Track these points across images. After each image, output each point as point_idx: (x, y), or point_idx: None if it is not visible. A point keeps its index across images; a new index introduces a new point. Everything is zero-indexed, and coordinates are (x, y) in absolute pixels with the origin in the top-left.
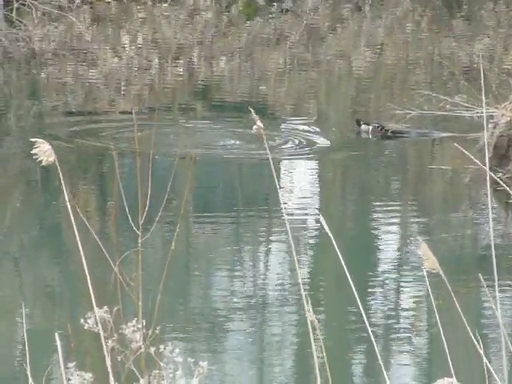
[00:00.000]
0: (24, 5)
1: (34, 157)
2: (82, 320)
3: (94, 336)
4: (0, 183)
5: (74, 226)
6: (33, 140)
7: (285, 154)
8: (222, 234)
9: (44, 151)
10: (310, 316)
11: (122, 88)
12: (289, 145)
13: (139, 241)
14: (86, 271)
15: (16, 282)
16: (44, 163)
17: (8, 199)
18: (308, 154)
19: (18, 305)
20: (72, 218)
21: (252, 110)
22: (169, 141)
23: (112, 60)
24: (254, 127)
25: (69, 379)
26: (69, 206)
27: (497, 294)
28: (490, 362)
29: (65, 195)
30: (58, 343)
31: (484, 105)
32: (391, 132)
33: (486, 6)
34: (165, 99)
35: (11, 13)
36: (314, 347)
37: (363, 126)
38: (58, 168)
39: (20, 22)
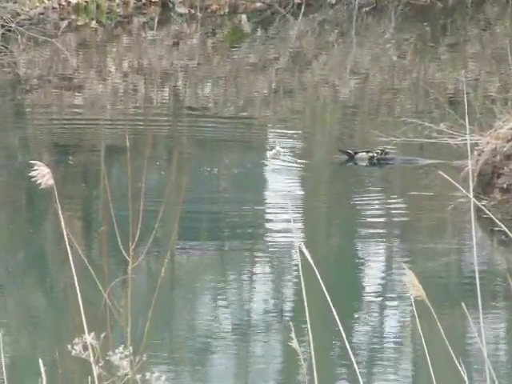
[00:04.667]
0: (9, 31)
1: (33, 179)
2: (69, 346)
3: (79, 363)
4: None
5: (69, 256)
6: (32, 162)
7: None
8: (209, 260)
9: (43, 174)
10: (295, 344)
11: (108, 113)
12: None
13: (129, 267)
14: (80, 298)
15: (1, 308)
16: (43, 186)
17: None
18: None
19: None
20: (68, 245)
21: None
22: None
23: (97, 85)
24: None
25: None
26: (66, 233)
27: (481, 321)
28: None
29: (59, 220)
30: (42, 369)
31: (468, 132)
32: (376, 159)
33: (472, 34)
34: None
35: None
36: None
37: (361, 154)
38: (55, 192)
39: (5, 47)
